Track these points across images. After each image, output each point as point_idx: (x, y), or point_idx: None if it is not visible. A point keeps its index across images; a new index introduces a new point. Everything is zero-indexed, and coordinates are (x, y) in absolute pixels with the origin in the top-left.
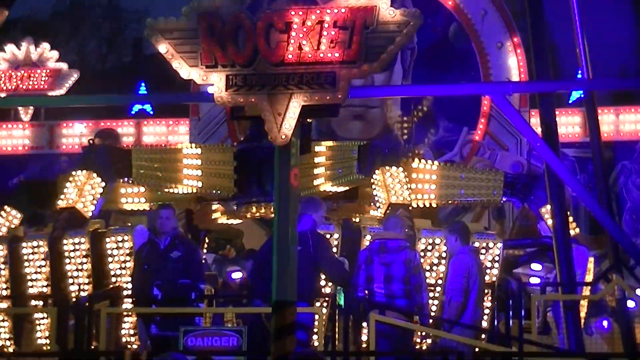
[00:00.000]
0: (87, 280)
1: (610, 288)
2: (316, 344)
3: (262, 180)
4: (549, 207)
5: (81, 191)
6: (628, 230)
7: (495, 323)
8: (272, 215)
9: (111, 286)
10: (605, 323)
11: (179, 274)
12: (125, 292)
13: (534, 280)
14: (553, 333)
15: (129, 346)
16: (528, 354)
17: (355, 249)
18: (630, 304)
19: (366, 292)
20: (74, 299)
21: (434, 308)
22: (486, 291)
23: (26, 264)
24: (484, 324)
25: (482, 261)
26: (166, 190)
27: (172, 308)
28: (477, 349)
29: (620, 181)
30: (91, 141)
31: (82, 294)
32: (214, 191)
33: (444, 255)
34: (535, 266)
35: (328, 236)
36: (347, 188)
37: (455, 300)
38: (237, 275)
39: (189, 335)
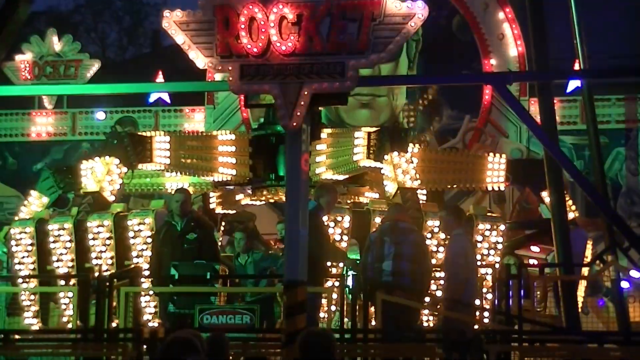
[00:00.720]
0: (110, 262)
1: (605, 269)
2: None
3: (275, 165)
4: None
5: (104, 176)
6: (622, 213)
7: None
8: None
9: (131, 266)
10: (604, 300)
11: (194, 254)
12: (144, 272)
13: (532, 261)
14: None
15: (148, 323)
16: (527, 332)
17: (365, 231)
18: (625, 284)
19: (376, 267)
20: (94, 279)
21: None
22: (490, 271)
23: (51, 245)
24: (483, 303)
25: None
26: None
27: (188, 287)
28: (476, 327)
29: (615, 167)
30: (113, 128)
31: (106, 274)
32: (229, 176)
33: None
34: (535, 248)
35: (339, 219)
36: (354, 174)
37: (457, 280)
38: None
39: (204, 313)
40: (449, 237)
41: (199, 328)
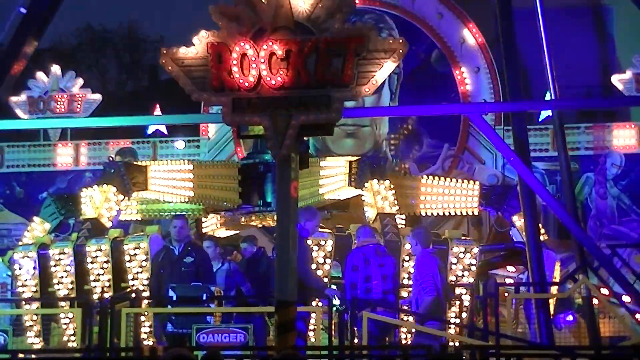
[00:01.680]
0: (107, 284)
1: (577, 287)
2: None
3: (263, 192)
4: (519, 215)
5: (102, 203)
6: (592, 235)
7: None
8: (273, 224)
9: (130, 288)
10: (570, 317)
11: (191, 277)
12: (143, 294)
13: (509, 280)
14: (525, 328)
15: (147, 342)
16: (504, 347)
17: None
18: (595, 301)
19: (367, 288)
20: (97, 300)
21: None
22: (465, 290)
23: (53, 268)
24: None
25: (441, 262)
26: (179, 201)
27: (185, 308)
28: (455, 343)
29: (585, 191)
30: (110, 158)
31: (104, 295)
32: (222, 202)
33: None
34: (511, 268)
35: (322, 242)
36: (338, 199)
37: (429, 296)
38: None
39: (201, 332)
40: (415, 256)
41: (196, 347)
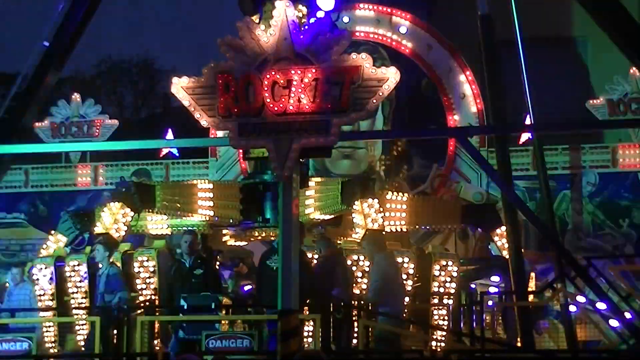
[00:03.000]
0: None
1: (556, 295)
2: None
3: (263, 209)
4: (499, 230)
5: (114, 219)
6: (570, 247)
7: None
8: (272, 237)
9: (143, 298)
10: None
11: (201, 287)
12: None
13: (493, 289)
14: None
15: (159, 348)
16: (489, 351)
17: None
18: (572, 308)
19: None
20: (114, 309)
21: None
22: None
23: (68, 279)
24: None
25: (398, 264)
26: (185, 218)
27: (195, 316)
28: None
29: (563, 207)
30: (121, 178)
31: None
32: (225, 219)
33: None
34: (495, 278)
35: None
36: (332, 216)
37: (372, 297)
38: (247, 287)
39: (210, 338)
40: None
41: (205, 351)
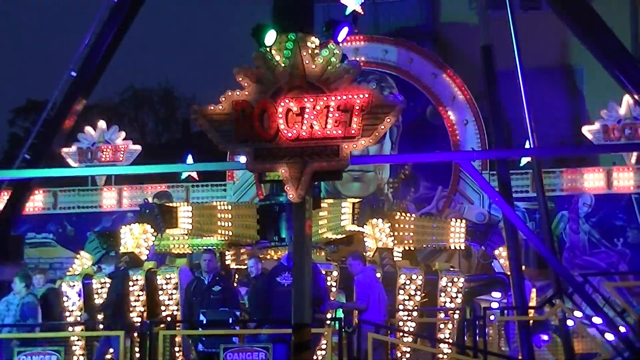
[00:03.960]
0: (143, 309)
1: (554, 310)
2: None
3: (278, 229)
4: (501, 249)
5: (138, 240)
6: (567, 265)
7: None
8: None
9: (166, 313)
10: (545, 337)
11: (219, 303)
12: (177, 318)
13: (494, 304)
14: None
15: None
16: None
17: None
18: (570, 322)
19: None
20: (137, 324)
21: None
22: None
23: (95, 295)
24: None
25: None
26: (205, 238)
27: (214, 330)
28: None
29: (560, 227)
30: (145, 200)
31: (139, 319)
32: (243, 238)
33: (419, 284)
34: (496, 294)
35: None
36: (342, 236)
37: (361, 304)
38: None
39: (228, 351)
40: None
41: None
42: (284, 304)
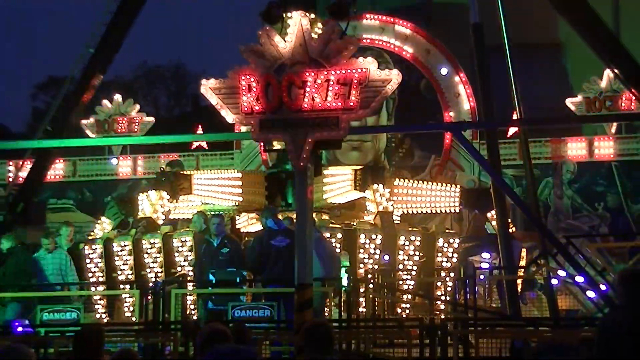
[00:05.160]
0: (160, 270)
1: (539, 270)
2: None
3: (285, 195)
4: (493, 212)
5: (154, 205)
6: (551, 228)
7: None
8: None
9: (178, 274)
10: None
11: (227, 264)
12: (188, 278)
13: (484, 265)
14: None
15: (191, 317)
16: (481, 319)
17: (353, 245)
18: (554, 281)
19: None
20: (151, 284)
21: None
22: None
23: (116, 258)
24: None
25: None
26: (217, 204)
27: (223, 289)
28: (442, 316)
29: (545, 192)
30: (161, 169)
31: (158, 279)
32: (252, 204)
33: (418, 245)
34: (486, 254)
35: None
36: (345, 201)
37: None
38: None
39: (235, 308)
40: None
41: (231, 320)
42: (278, 264)
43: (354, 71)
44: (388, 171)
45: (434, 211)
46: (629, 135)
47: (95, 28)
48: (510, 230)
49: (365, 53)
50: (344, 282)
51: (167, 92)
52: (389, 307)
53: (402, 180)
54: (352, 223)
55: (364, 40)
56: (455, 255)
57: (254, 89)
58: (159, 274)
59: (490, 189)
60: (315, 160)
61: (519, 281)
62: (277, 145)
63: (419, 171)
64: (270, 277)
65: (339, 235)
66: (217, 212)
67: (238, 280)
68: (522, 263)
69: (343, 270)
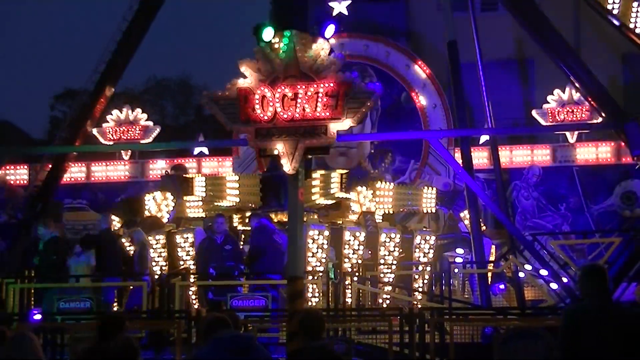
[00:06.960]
0: (164, 264)
1: (508, 264)
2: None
3: (279, 197)
4: (466, 212)
5: (159, 205)
6: (519, 226)
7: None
8: (286, 219)
9: (181, 267)
10: (502, 286)
11: (229, 259)
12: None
13: (458, 260)
14: (470, 294)
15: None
16: (455, 309)
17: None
18: (521, 274)
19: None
20: (157, 276)
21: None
22: (428, 268)
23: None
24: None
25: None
26: (216, 204)
27: (222, 281)
28: (420, 306)
29: (514, 195)
30: (166, 172)
31: (162, 272)
32: (248, 204)
33: (397, 242)
34: (459, 250)
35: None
36: (332, 201)
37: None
38: None
39: (234, 299)
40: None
41: (230, 309)
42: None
43: (341, 84)
44: (372, 174)
45: (412, 211)
46: (588, 142)
47: (109, 45)
48: (481, 229)
49: (351, 68)
50: (332, 275)
51: (173, 102)
52: (372, 298)
53: (383, 182)
54: (338, 222)
55: (350, 57)
56: (432, 251)
57: (251, 100)
58: (164, 268)
59: (464, 191)
60: (305, 165)
61: (489, 274)
62: (271, 152)
63: (399, 175)
64: (264, 269)
65: (327, 233)
66: (219, 212)
67: (236, 273)
68: (492, 258)
69: (330, 264)
